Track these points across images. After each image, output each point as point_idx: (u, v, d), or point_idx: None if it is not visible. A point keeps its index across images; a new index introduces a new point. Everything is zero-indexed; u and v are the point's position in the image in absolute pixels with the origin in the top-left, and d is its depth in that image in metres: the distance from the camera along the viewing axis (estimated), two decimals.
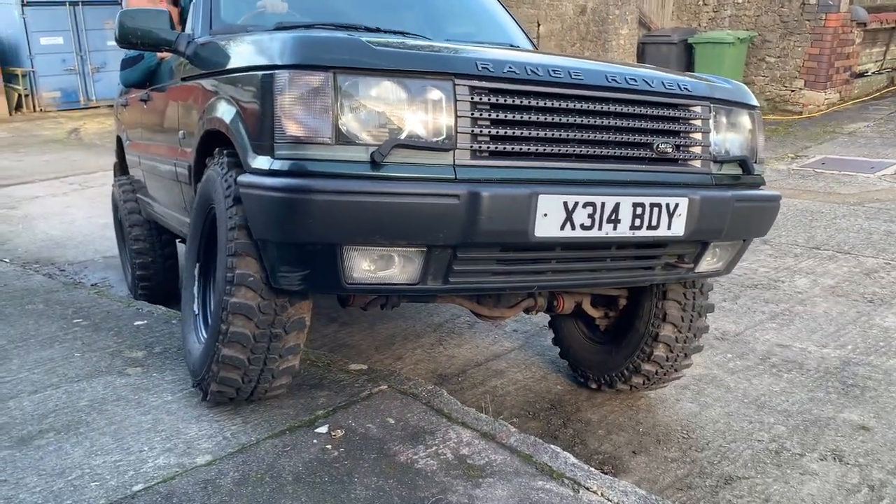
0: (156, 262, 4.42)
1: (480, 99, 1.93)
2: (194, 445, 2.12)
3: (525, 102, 1.98)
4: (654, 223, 2.12)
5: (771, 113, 10.25)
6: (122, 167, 5.03)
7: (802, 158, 8.01)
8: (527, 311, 2.88)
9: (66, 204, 7.93)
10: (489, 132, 1.94)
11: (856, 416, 2.97)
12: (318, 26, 2.79)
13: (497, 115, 1.95)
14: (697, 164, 2.30)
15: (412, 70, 1.90)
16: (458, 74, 1.92)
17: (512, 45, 3.41)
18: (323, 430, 2.18)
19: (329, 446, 2.10)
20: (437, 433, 2.19)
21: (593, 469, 2.05)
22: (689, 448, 2.80)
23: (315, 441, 2.12)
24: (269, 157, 1.91)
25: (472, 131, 1.92)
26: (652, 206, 2.10)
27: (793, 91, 10.12)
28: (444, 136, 1.91)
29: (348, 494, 1.88)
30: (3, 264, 5.06)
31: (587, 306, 2.98)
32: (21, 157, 11.25)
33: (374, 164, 1.84)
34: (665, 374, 2.98)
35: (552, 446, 2.15)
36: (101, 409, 2.43)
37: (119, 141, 4.99)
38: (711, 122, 2.32)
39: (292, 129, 1.87)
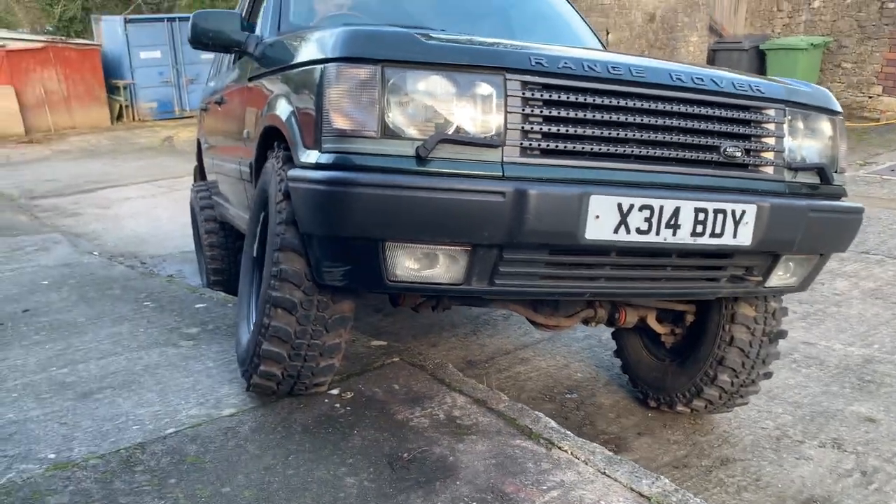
0: (228, 261, 4.67)
1: (532, 95, 1.88)
2: (223, 401, 2.43)
3: (580, 99, 1.91)
4: (717, 231, 2.01)
5: (847, 120, 9.98)
6: (201, 171, 5.39)
7: (871, 165, 7.86)
8: (586, 321, 2.77)
9: (154, 205, 8.57)
10: (541, 129, 1.89)
11: (864, 409, 3.03)
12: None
13: (550, 112, 1.90)
14: (769, 170, 2.16)
15: (461, 64, 1.87)
16: (509, 69, 1.88)
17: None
18: (335, 391, 2.45)
19: (337, 405, 2.37)
20: (435, 398, 2.43)
21: (570, 433, 2.24)
22: (694, 432, 2.93)
23: (326, 400, 2.39)
24: (316, 151, 1.92)
25: (523, 128, 1.87)
26: (716, 212, 1.99)
27: (870, 97, 9.87)
28: (492, 133, 1.86)
29: (347, 442, 2.14)
30: (92, 256, 5.59)
31: (652, 321, 2.84)
32: (119, 162, 12.13)
33: (420, 158, 1.82)
34: (729, 400, 2.81)
35: (537, 412, 2.35)
36: (153, 373, 2.77)
37: (199, 145, 5.32)
38: (786, 126, 2.18)
39: (339, 122, 1.87)
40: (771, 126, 2.16)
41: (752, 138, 2.14)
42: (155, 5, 17.60)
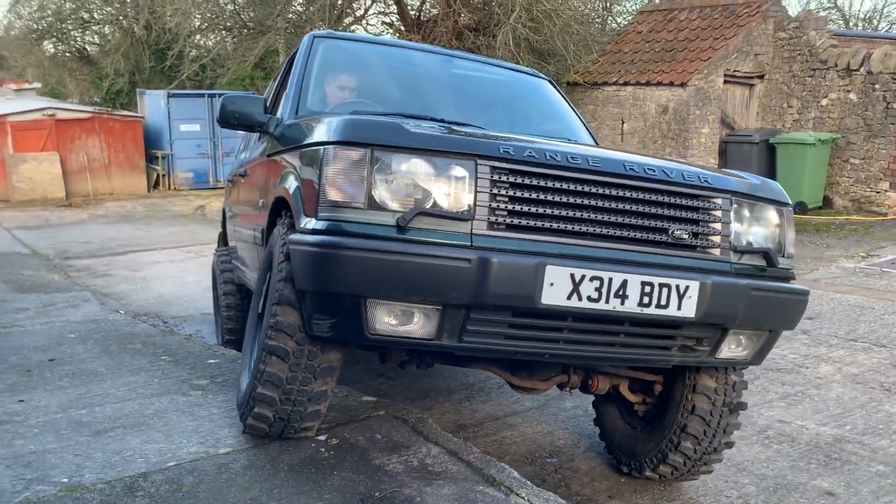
0: (242, 321, 4.92)
1: (500, 178, 2.17)
2: (221, 441, 2.69)
3: (542, 183, 2.20)
4: (662, 302, 2.23)
5: (855, 213, 10.25)
6: (224, 237, 5.80)
7: (873, 258, 8.03)
8: (561, 386, 3.01)
9: (181, 269, 8.95)
10: (506, 207, 2.17)
11: (826, 484, 3.19)
12: (387, 115, 3.04)
13: (515, 193, 2.18)
14: (716, 251, 2.40)
15: (439, 150, 2.18)
16: (480, 156, 2.17)
17: (569, 140, 3.51)
18: (322, 437, 2.69)
19: (322, 449, 2.61)
20: (412, 447, 2.66)
21: (529, 482, 2.45)
22: (661, 498, 3.11)
23: (313, 445, 2.64)
24: (313, 219, 2.22)
25: (490, 205, 2.15)
26: (661, 285, 2.23)
27: (878, 192, 10.13)
28: (464, 208, 2.15)
29: (327, 481, 2.37)
30: (118, 315, 5.94)
31: (625, 390, 3.06)
32: (152, 228, 12.64)
33: (400, 228, 2.10)
34: (693, 467, 3.00)
35: (503, 464, 2.57)
36: (162, 417, 3.04)
37: (223, 213, 5.78)
38: (732, 213, 2.42)
39: (333, 194, 2.17)
40: (717, 213, 2.41)
41: (700, 223, 2.39)
42: (197, 82, 18.49)
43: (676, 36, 11.92)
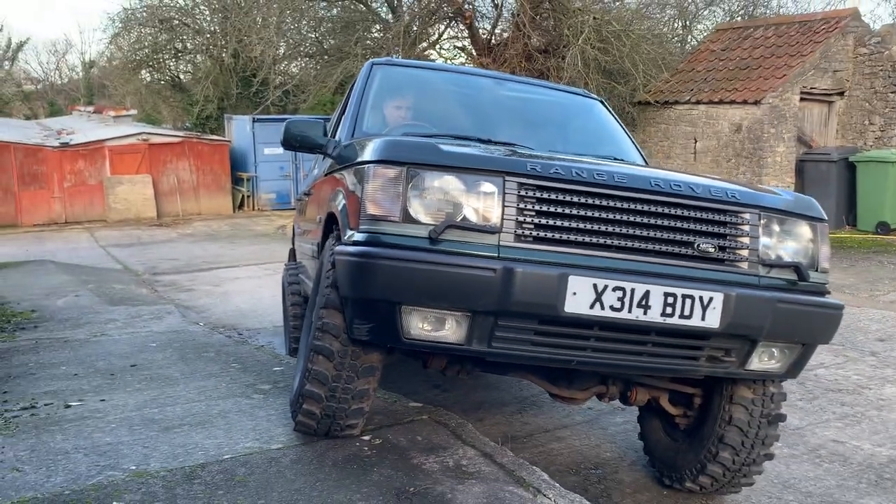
0: None
1: (527, 193, 2.31)
2: (274, 438, 2.90)
3: (567, 199, 2.33)
4: (686, 313, 2.31)
5: None
6: (293, 253, 6.14)
7: None
8: (599, 396, 3.10)
9: (259, 285, 9.34)
10: (533, 221, 2.31)
11: (873, 503, 3.15)
12: (435, 136, 3.23)
13: (541, 208, 2.32)
14: (743, 265, 2.46)
15: (470, 167, 2.35)
16: (508, 172, 2.32)
17: (615, 159, 3.57)
18: (367, 437, 2.87)
19: (366, 448, 2.78)
20: (449, 449, 2.80)
21: (557, 485, 2.55)
22: None
23: (357, 444, 2.82)
24: (356, 232, 2.42)
25: (517, 219, 2.30)
26: (684, 296, 2.31)
27: None
28: (492, 222, 2.30)
29: (366, 476, 2.54)
30: (197, 326, 6.31)
31: (665, 403, 3.11)
32: (235, 246, 13.21)
33: (431, 240, 2.28)
34: (733, 478, 3.02)
35: (534, 467, 2.68)
36: (224, 416, 3.28)
37: (293, 230, 6.12)
38: (761, 228, 2.49)
39: (371, 209, 2.36)
40: (745, 227, 2.48)
41: (727, 237, 2.47)
42: (281, 107, 19.27)
43: (751, 53, 11.75)
